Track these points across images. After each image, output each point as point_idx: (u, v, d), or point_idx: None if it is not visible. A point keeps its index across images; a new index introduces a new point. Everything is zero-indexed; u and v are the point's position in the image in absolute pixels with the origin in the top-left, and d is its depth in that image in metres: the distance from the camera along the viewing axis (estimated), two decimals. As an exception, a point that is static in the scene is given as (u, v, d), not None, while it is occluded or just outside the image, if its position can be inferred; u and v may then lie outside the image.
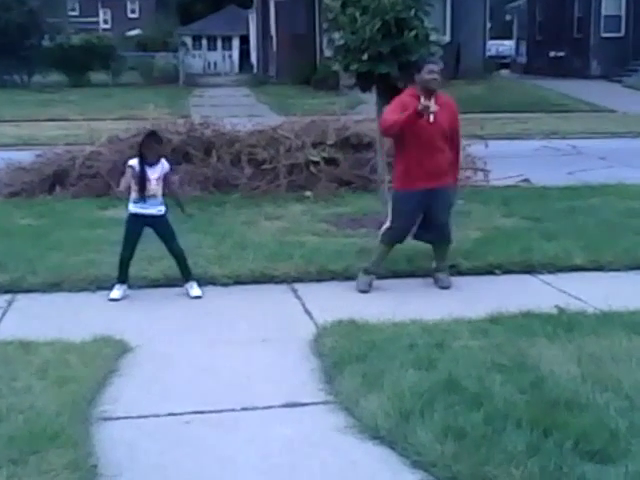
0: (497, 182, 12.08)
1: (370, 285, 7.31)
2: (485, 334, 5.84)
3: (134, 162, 7.01)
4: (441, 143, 7.11)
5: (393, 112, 7.06)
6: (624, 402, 4.68)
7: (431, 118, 6.98)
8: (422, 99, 6.83)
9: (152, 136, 7.14)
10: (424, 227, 7.37)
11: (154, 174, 7.01)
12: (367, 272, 7.36)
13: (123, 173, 7.17)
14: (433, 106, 6.75)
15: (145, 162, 6.97)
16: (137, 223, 7.07)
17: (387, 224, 7.35)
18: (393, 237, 7.35)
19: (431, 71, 7.06)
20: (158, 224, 7.10)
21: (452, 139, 7.21)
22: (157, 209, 7.07)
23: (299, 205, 10.66)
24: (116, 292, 7.06)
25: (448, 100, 7.30)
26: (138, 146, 7.16)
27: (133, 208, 7.08)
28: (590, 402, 4.67)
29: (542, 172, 13.23)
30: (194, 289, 7.15)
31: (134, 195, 7.03)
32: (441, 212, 7.27)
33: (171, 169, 7.30)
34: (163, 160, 7.13)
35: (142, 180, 6.94)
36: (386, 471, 4.18)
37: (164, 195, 7.12)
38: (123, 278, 7.11)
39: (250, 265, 7.71)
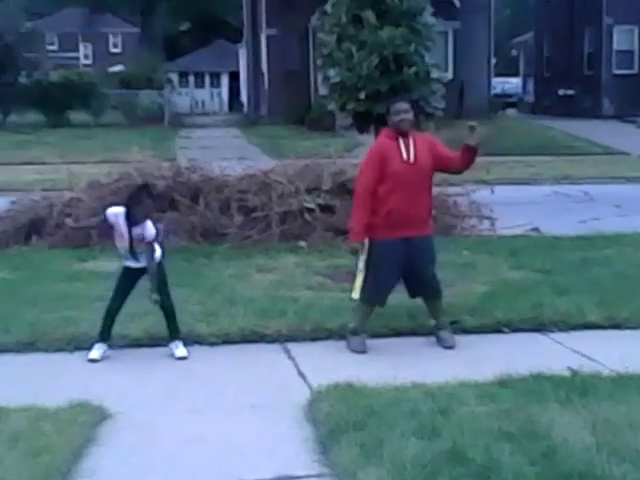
0: (504, 231, 12.12)
1: (364, 345, 7.29)
2: (493, 399, 5.80)
3: (113, 211, 6.95)
4: (423, 186, 7.19)
5: (371, 171, 7.11)
6: (642, 474, 4.65)
7: (411, 158, 7.09)
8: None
9: (144, 189, 7.08)
10: (412, 282, 7.38)
11: (137, 233, 6.94)
12: (353, 333, 7.36)
13: (107, 225, 7.08)
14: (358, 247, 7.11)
15: (128, 217, 6.92)
16: (130, 276, 7.07)
17: (360, 279, 7.29)
18: (372, 296, 7.31)
19: (398, 112, 7.13)
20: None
21: (450, 163, 7.24)
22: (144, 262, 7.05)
23: (292, 256, 10.66)
24: (96, 352, 7.02)
25: (423, 137, 7.39)
26: (128, 198, 7.06)
27: (123, 261, 7.08)
28: (606, 474, 4.63)
29: (552, 220, 13.28)
30: (179, 349, 7.12)
31: (121, 250, 7.02)
32: (426, 264, 7.29)
33: (156, 236, 7.07)
34: (148, 223, 6.97)
35: (129, 238, 6.92)
36: None
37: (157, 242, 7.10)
38: (105, 335, 7.06)
39: (240, 322, 7.70)
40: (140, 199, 6.93)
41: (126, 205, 6.97)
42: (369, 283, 7.27)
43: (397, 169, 7.07)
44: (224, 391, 6.32)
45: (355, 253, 7.28)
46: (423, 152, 7.15)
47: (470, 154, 7.16)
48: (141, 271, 7.05)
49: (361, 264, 7.30)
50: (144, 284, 7.10)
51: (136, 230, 6.94)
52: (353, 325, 7.41)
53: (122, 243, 7.00)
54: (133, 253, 6.97)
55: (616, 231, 12.04)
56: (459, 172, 7.46)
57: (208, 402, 6.10)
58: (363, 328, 7.40)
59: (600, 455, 4.87)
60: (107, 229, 7.13)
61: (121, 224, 6.95)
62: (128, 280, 7.08)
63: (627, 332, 7.76)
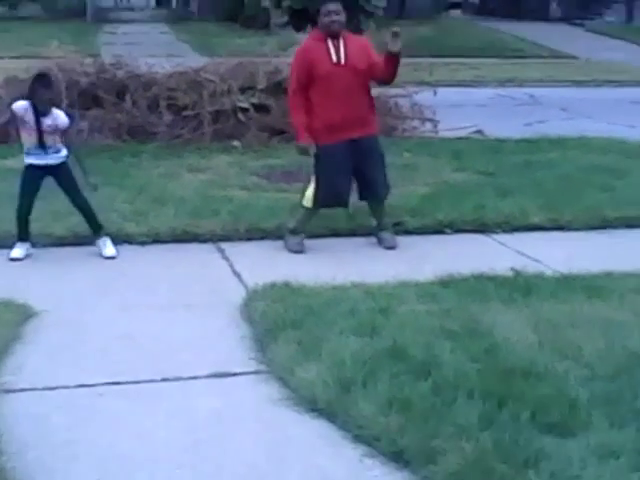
0: (447, 133, 12.17)
1: (302, 245, 7.35)
2: (434, 298, 5.92)
3: (20, 105, 6.87)
4: (358, 87, 7.21)
5: (297, 73, 7.20)
6: (584, 371, 4.80)
7: (342, 59, 7.12)
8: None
9: (39, 80, 6.96)
10: (363, 183, 7.42)
11: (48, 124, 6.88)
12: (294, 232, 7.41)
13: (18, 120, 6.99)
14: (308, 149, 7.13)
15: (36, 110, 6.84)
16: (34, 175, 7.00)
17: (312, 185, 7.36)
18: (324, 199, 7.36)
19: (328, 12, 7.17)
20: (58, 174, 7.02)
21: (377, 70, 7.24)
22: (57, 157, 6.99)
23: (226, 156, 10.60)
24: (17, 250, 6.97)
25: (357, 39, 7.42)
26: (28, 91, 6.99)
27: (28, 159, 6.99)
28: (548, 371, 4.77)
29: (496, 123, 13.36)
30: (107, 247, 7.09)
31: (28, 145, 6.94)
32: (374, 163, 7.34)
33: (70, 123, 7.10)
34: (57, 112, 6.97)
35: (38, 130, 6.83)
36: (325, 446, 4.23)
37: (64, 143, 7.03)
38: (23, 235, 7.03)
39: (171, 222, 7.68)
40: (37, 89, 6.83)
41: (28, 98, 6.89)
42: (323, 187, 7.30)
43: (326, 71, 7.12)
44: (156, 290, 6.35)
45: (304, 153, 7.29)
46: (355, 53, 7.17)
47: (393, 62, 7.14)
48: (46, 169, 6.97)
49: (313, 174, 7.36)
50: (52, 184, 7.04)
51: (46, 121, 6.87)
52: (292, 225, 7.44)
53: (31, 137, 6.90)
54: (43, 147, 6.88)
55: (561, 134, 12.16)
56: (385, 82, 7.59)
57: (139, 300, 6.13)
58: (302, 228, 7.44)
59: (542, 352, 5.02)
60: (18, 124, 7.01)
61: (30, 117, 6.85)
62: (34, 178, 7.00)
63: (571, 234, 7.94)
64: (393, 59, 7.10)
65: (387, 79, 7.41)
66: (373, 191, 7.45)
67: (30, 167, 7.01)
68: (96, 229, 7.15)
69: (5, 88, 11.74)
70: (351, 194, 7.43)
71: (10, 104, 7.13)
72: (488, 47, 26.84)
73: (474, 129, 12.69)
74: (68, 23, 32.39)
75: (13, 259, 6.92)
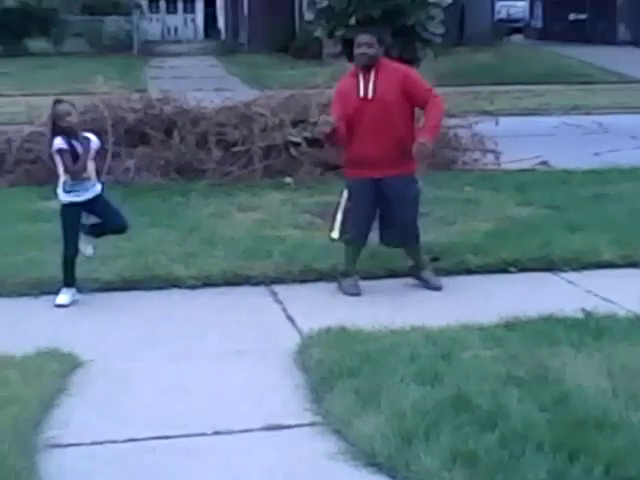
0: (510, 165, 12.13)
1: (356, 287, 7.35)
2: (499, 342, 5.86)
3: (60, 141, 6.98)
4: (389, 123, 7.17)
5: (334, 112, 7.25)
6: (663, 420, 4.71)
7: (369, 93, 7.14)
8: (321, 117, 7.31)
9: (60, 105, 7.07)
10: (385, 228, 7.41)
11: (82, 150, 7.00)
12: (344, 275, 7.43)
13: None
14: (329, 121, 7.01)
15: (69, 138, 6.95)
16: (75, 213, 7.09)
17: (339, 217, 7.41)
18: (349, 233, 7.38)
19: (359, 44, 7.24)
20: (97, 206, 7.11)
21: (421, 104, 7.22)
22: (93, 191, 7.09)
23: (278, 193, 10.66)
24: (63, 297, 7.04)
25: (394, 68, 7.36)
26: (51, 121, 7.14)
27: (67, 198, 7.07)
28: (623, 421, 4.69)
29: (563, 153, 13.28)
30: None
31: (65, 181, 7.03)
32: (400, 208, 7.28)
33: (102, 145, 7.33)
34: (87, 134, 7.13)
35: (76, 159, 6.95)
36: (386, 503, 4.19)
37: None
38: (70, 281, 7.10)
39: (221, 264, 7.72)
40: (64, 115, 6.95)
41: (53, 130, 7.02)
42: (347, 220, 7.36)
43: (353, 107, 7.17)
44: (206, 337, 6.36)
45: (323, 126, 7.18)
46: (387, 86, 7.16)
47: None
48: (85, 205, 7.08)
49: (342, 202, 7.39)
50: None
51: (79, 147, 6.98)
52: (343, 267, 7.46)
53: (69, 170, 6.97)
54: (80, 179, 6.97)
55: (633, 164, 12.06)
56: None
57: (188, 348, 6.15)
58: (353, 269, 7.45)
59: (616, 401, 4.93)
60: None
61: (66, 147, 6.95)
62: (75, 220, 7.10)
63: (645, 271, 7.84)
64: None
65: None
66: (392, 236, 7.41)
67: (69, 205, 7.09)
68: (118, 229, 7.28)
69: (49, 126, 11.90)
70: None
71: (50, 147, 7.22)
72: (553, 73, 26.77)
73: (539, 160, 12.62)
74: (114, 57, 33.01)
75: (59, 305, 6.99)
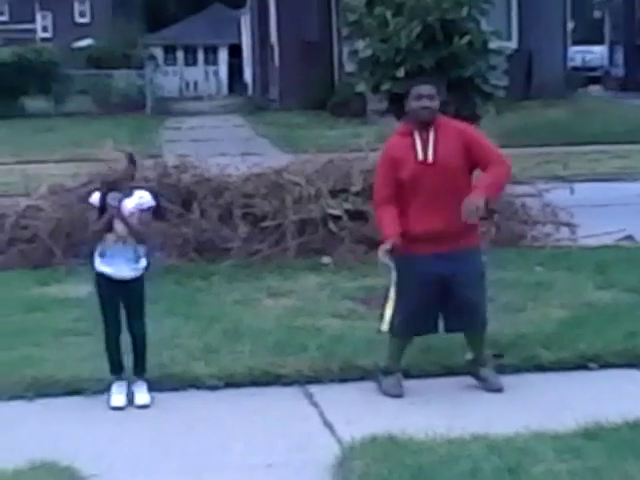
0: (589, 241, 12.13)
1: (399, 386, 7.35)
2: (577, 454, 5.81)
3: (95, 197, 7.12)
4: (451, 190, 7.19)
5: (382, 177, 7.36)
6: None
7: (429, 156, 7.16)
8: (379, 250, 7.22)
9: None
10: (449, 311, 7.38)
11: (129, 210, 7.08)
12: (386, 372, 7.41)
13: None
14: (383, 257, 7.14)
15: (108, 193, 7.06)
16: (109, 285, 7.13)
17: (390, 307, 7.38)
18: (401, 325, 7.35)
19: (419, 96, 7.24)
20: (129, 288, 7.15)
21: (484, 168, 7.27)
22: (131, 267, 7.12)
23: (314, 276, 10.72)
24: (118, 398, 7.08)
25: (455, 127, 7.43)
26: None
27: (98, 264, 7.14)
28: None
29: (651, 226, 13.24)
30: (141, 394, 7.15)
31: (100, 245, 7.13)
32: (463, 287, 7.28)
33: (157, 204, 7.42)
34: (140, 192, 7.21)
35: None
36: None
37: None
38: (117, 370, 7.17)
39: (247, 360, 7.73)
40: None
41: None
42: (397, 309, 7.32)
43: (410, 172, 7.17)
44: (229, 447, 6.35)
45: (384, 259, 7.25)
46: (448, 147, 7.20)
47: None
48: (121, 286, 7.11)
49: (392, 289, 7.38)
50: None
51: (126, 208, 7.05)
52: (385, 362, 7.45)
53: (94, 226, 7.09)
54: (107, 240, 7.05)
55: None
56: None
57: (208, 461, 6.14)
58: (397, 366, 7.44)
59: None
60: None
61: (99, 202, 7.06)
62: (110, 293, 7.12)
63: None
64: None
65: None
66: (462, 320, 7.38)
67: (100, 277, 7.15)
68: (139, 367, 7.24)
69: (48, 199, 12.06)
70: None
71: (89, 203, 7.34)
72: (637, 130, 26.73)
73: (623, 235, 12.59)
74: (124, 118, 33.44)
75: (115, 408, 7.02)
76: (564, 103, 31.86)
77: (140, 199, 7.16)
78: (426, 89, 7.27)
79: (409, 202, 7.21)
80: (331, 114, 32.09)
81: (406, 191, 7.21)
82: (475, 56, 13.12)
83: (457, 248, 7.23)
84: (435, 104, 7.24)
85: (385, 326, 7.40)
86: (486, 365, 7.52)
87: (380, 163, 7.49)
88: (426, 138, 7.20)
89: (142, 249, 7.17)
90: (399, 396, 7.28)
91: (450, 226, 7.16)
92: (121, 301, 7.20)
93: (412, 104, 7.26)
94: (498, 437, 6.09)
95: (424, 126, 7.21)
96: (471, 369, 7.54)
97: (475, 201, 7.01)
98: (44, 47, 43.17)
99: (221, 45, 57.94)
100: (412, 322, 7.33)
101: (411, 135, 7.23)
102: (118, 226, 7.07)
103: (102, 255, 7.13)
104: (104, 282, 7.16)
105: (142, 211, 7.16)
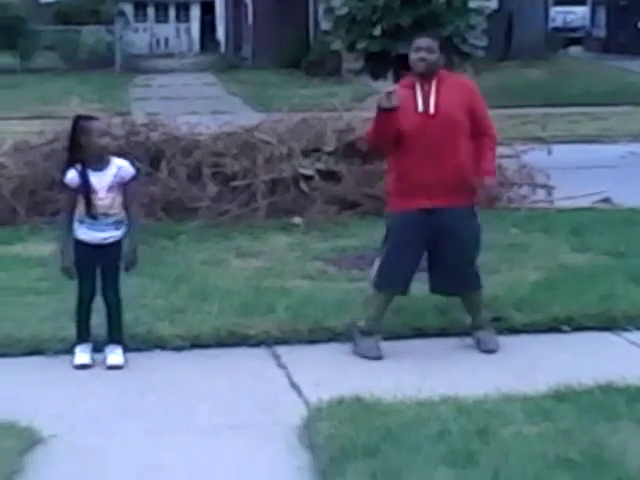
0: (565, 203, 12.16)
1: (378, 348, 7.36)
2: (547, 416, 5.85)
3: (72, 176, 7.03)
4: (449, 143, 7.24)
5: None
6: None
7: (430, 108, 7.18)
8: (389, 89, 7.16)
9: (81, 120, 7.12)
10: (437, 271, 7.44)
11: (102, 182, 7.02)
12: (365, 333, 7.42)
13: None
14: (392, 97, 6.98)
15: (87, 165, 6.99)
16: (88, 253, 7.11)
17: (378, 261, 7.46)
18: (387, 280, 7.40)
19: (418, 48, 7.30)
20: (106, 254, 7.13)
21: (473, 134, 7.33)
22: (109, 234, 7.09)
23: (284, 236, 10.72)
24: (83, 356, 7.07)
25: (458, 81, 7.51)
26: (68, 142, 7.18)
27: (79, 232, 7.10)
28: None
29: (629, 189, 13.27)
30: (114, 354, 7.14)
31: (79, 213, 7.08)
32: (457, 246, 7.33)
33: (136, 175, 7.27)
34: (117, 160, 7.14)
35: (86, 192, 6.97)
36: None
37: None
38: (84, 334, 7.14)
39: (214, 321, 7.74)
40: (82, 135, 6.98)
41: (70, 150, 7.06)
42: (383, 264, 7.37)
43: (410, 123, 7.18)
44: (194, 408, 6.35)
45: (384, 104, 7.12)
46: (450, 100, 7.24)
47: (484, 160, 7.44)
48: (99, 250, 7.09)
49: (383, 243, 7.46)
50: None
51: (98, 176, 6.98)
52: (364, 323, 7.45)
53: (100, 202, 7.01)
54: (92, 215, 6.99)
55: None
56: None
57: (173, 422, 6.15)
58: (377, 326, 7.45)
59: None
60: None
61: (78, 179, 6.99)
62: (88, 260, 7.10)
63: None
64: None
65: None
66: (447, 282, 7.45)
67: (79, 244, 7.12)
68: (115, 335, 7.23)
69: (13, 156, 12.00)
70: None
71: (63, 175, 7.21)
72: (618, 92, 26.79)
73: (600, 197, 12.62)
74: (92, 75, 33.30)
75: (80, 366, 7.02)
76: (544, 64, 31.87)
77: (119, 170, 7.09)
78: (424, 41, 7.33)
79: (406, 154, 7.23)
80: (305, 73, 32.05)
81: (404, 143, 7.21)
82: (454, 15, 13.07)
83: (452, 205, 7.25)
84: (433, 57, 7.27)
85: (371, 283, 7.43)
86: (484, 328, 7.54)
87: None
88: (428, 90, 7.24)
89: (124, 216, 7.15)
90: (378, 358, 7.29)
91: (446, 178, 7.19)
92: (98, 266, 7.17)
93: (412, 56, 7.32)
94: (467, 399, 6.12)
95: (425, 78, 7.26)
96: (470, 331, 7.57)
97: (494, 187, 7.12)
98: (10, 2, 42.84)
99: (193, 2, 57.55)
100: (396, 277, 7.37)
101: (413, 87, 7.26)
102: (98, 202, 7.01)
103: (81, 222, 7.09)
104: (82, 248, 7.12)
105: (125, 184, 7.10)
